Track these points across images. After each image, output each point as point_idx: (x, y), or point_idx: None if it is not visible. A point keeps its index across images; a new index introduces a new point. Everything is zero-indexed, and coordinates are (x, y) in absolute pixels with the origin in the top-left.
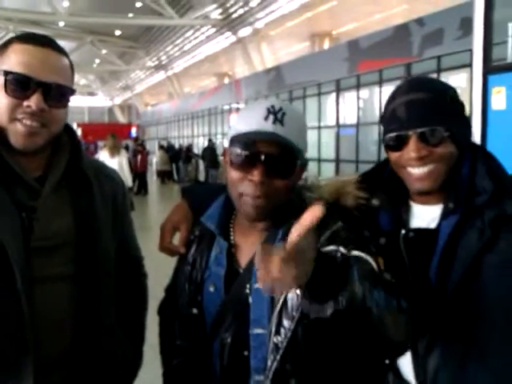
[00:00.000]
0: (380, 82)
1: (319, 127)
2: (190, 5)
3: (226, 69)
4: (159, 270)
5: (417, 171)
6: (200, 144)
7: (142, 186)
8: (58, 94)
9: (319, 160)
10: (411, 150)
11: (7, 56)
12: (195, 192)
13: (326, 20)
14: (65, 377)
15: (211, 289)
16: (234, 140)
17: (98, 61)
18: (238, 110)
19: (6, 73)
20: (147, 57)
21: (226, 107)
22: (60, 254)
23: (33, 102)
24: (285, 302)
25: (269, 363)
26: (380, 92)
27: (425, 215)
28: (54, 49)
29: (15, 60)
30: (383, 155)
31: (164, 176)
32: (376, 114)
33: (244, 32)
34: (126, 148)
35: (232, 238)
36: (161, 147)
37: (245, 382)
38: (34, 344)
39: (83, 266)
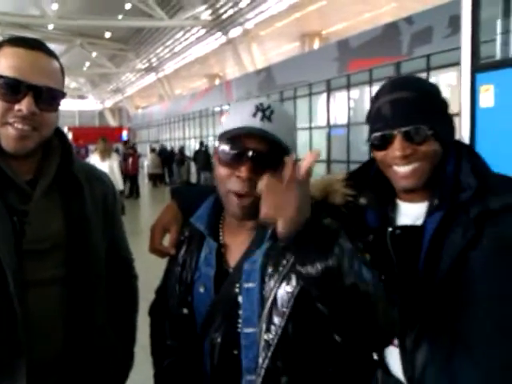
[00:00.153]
0: (370, 82)
1: (310, 128)
2: (180, 6)
3: (217, 70)
4: (150, 273)
5: (402, 169)
6: (192, 146)
7: (133, 189)
8: (48, 98)
9: None
10: (396, 148)
11: None
12: (185, 193)
13: (316, 20)
14: (58, 378)
15: (201, 289)
16: (222, 137)
17: (87, 64)
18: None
19: None
20: (137, 59)
21: (217, 109)
22: (51, 257)
23: (24, 105)
24: (275, 299)
25: (260, 361)
26: (370, 91)
27: (411, 213)
28: (45, 52)
29: (6, 64)
30: None
31: (156, 179)
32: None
33: (234, 33)
34: (117, 151)
35: (221, 238)
36: (152, 150)
37: (236, 381)
38: (26, 346)
39: (74, 268)
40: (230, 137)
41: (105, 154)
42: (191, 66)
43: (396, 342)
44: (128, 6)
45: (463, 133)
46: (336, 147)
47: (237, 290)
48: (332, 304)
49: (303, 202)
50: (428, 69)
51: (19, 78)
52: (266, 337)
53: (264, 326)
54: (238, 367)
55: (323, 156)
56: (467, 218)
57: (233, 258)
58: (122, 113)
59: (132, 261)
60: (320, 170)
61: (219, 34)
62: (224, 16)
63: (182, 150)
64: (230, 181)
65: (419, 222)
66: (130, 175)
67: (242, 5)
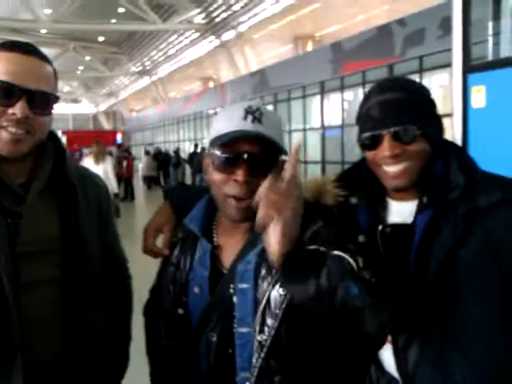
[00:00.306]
0: (363, 83)
1: (304, 129)
2: (173, 9)
3: (211, 73)
4: (144, 275)
5: (392, 169)
6: (186, 149)
7: (128, 192)
8: (42, 102)
9: (305, 162)
10: (385, 148)
11: None
12: (178, 194)
13: (309, 23)
14: (55, 379)
15: (196, 290)
16: (215, 142)
17: (81, 67)
18: None
19: None
20: (131, 62)
21: (212, 111)
22: (46, 259)
23: (18, 109)
24: (268, 301)
25: (253, 361)
26: (364, 93)
27: (402, 211)
28: (38, 56)
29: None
30: None
31: (150, 181)
32: None
33: (227, 36)
34: (110, 154)
35: (215, 239)
36: (146, 153)
37: (231, 379)
38: (22, 348)
39: (69, 269)
40: (224, 141)
41: (99, 157)
42: (185, 68)
43: (389, 337)
44: (121, 10)
45: (455, 133)
46: (330, 148)
47: (231, 291)
48: (319, 319)
49: (295, 217)
50: (421, 70)
51: (13, 82)
52: (259, 338)
53: (257, 328)
54: (233, 366)
55: (318, 157)
56: (456, 216)
57: (227, 259)
58: (117, 116)
59: (126, 261)
60: (315, 171)
61: (213, 37)
62: (217, 19)
63: (177, 151)
64: (227, 185)
65: (409, 221)
66: (125, 178)
67: (235, 8)
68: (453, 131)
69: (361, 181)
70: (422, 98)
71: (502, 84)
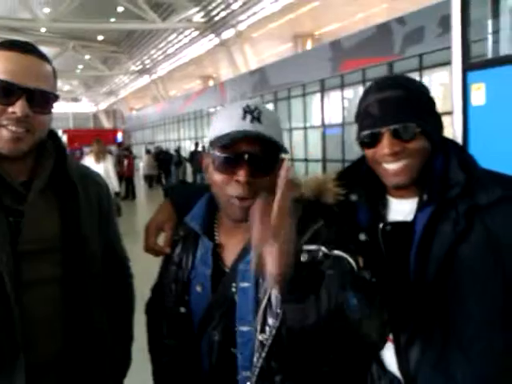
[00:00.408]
0: (363, 81)
1: (305, 128)
2: (173, 8)
3: (211, 71)
4: (145, 273)
5: (392, 166)
6: (186, 147)
7: (129, 191)
8: (41, 100)
9: (306, 160)
10: (385, 146)
11: None
12: (179, 192)
13: (308, 21)
14: (57, 378)
15: (198, 289)
16: (215, 143)
17: (81, 66)
18: None
19: None
20: (131, 61)
21: (212, 110)
22: (48, 257)
23: (17, 108)
24: (269, 300)
25: (255, 360)
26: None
27: (402, 209)
28: (37, 55)
29: None
30: None
31: (151, 180)
32: None
33: (227, 34)
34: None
35: (217, 237)
36: (147, 152)
37: (232, 378)
38: (25, 347)
39: (71, 268)
40: (224, 142)
41: (100, 156)
42: (185, 67)
43: (391, 336)
44: (120, 9)
45: (455, 131)
46: (331, 147)
47: (234, 290)
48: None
49: (290, 237)
50: (420, 68)
51: (12, 81)
52: (260, 337)
53: (259, 327)
54: (235, 365)
55: (318, 155)
56: (457, 213)
57: (229, 258)
58: (117, 115)
59: (128, 260)
60: (316, 170)
61: (212, 35)
62: (216, 18)
63: (178, 150)
64: (229, 186)
65: (410, 218)
66: (126, 177)
67: (234, 7)
68: (453, 129)
69: (361, 179)
70: (422, 95)
71: (501, 82)
